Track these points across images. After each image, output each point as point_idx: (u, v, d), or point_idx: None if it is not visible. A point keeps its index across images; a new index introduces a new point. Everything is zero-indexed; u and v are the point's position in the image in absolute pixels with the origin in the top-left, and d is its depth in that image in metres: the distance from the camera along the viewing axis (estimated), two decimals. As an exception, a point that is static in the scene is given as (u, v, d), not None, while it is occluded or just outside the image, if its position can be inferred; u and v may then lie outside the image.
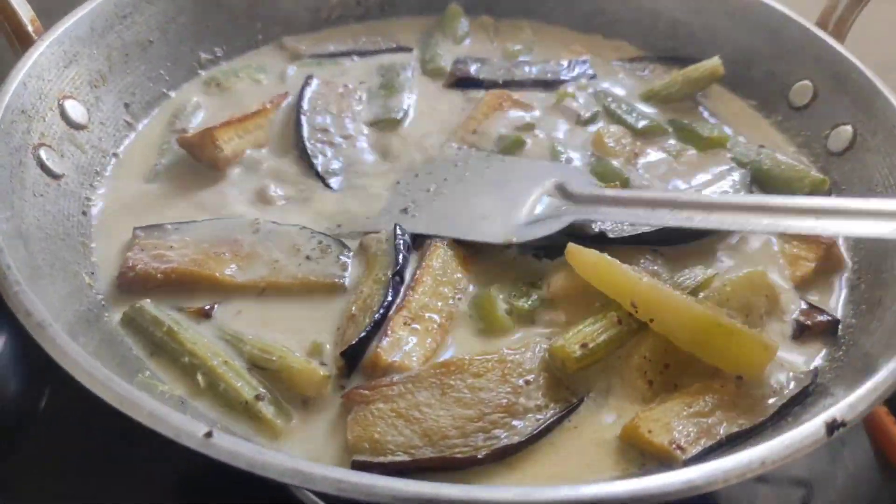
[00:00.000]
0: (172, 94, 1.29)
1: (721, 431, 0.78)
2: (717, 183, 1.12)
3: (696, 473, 0.61)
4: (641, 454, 0.79)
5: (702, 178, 1.16)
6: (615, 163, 1.18)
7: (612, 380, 0.86)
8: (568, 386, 0.85)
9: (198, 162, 1.14)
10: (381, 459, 0.75)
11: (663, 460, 0.77)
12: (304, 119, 1.22)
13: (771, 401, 0.82)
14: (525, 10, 1.53)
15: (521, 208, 1.04)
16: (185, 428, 0.62)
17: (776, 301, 0.95)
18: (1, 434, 1.10)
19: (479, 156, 1.19)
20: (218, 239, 1.00)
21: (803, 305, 0.97)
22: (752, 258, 1.03)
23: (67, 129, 1.07)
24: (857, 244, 1.05)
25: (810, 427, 0.65)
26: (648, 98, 1.32)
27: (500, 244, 0.99)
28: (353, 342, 0.86)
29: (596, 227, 1.01)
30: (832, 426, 0.65)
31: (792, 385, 0.84)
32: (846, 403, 0.67)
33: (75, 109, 1.09)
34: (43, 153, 1.00)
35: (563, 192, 1.05)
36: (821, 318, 0.95)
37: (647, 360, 0.85)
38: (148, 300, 0.91)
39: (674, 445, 0.76)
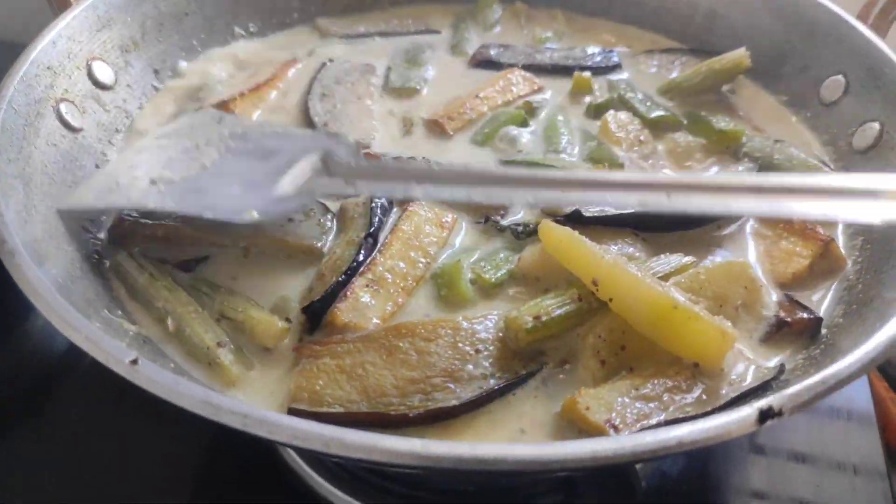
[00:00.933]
0: (201, 62, 1.34)
1: (662, 417, 0.74)
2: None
3: (605, 444, 0.59)
4: (578, 432, 0.77)
5: (707, 170, 1.12)
6: (616, 150, 1.15)
7: (567, 358, 0.84)
8: (521, 360, 0.83)
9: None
10: (316, 409, 0.76)
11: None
12: (314, 84, 1.27)
13: (724, 391, 0.78)
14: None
15: (280, 181, 0.90)
16: (114, 353, 0.65)
17: (756, 294, 0.89)
18: (48, 382, 1.19)
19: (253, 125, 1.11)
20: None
21: (785, 300, 0.91)
22: (745, 253, 0.99)
23: (92, 89, 1.13)
24: (865, 242, 0.98)
25: (741, 412, 0.62)
26: (668, 90, 1.28)
27: (240, 221, 0.87)
28: (316, 299, 0.87)
29: (570, 207, 0.99)
30: (765, 414, 0.61)
31: (750, 378, 0.79)
32: (786, 393, 0.63)
33: (103, 70, 1.16)
34: (63, 107, 1.06)
35: (326, 164, 0.91)
36: (802, 314, 0.88)
37: (602, 340, 0.82)
38: (136, 249, 0.96)
39: (608, 424, 0.73)
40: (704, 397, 0.78)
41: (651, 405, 0.76)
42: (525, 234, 1.00)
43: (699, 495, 1.10)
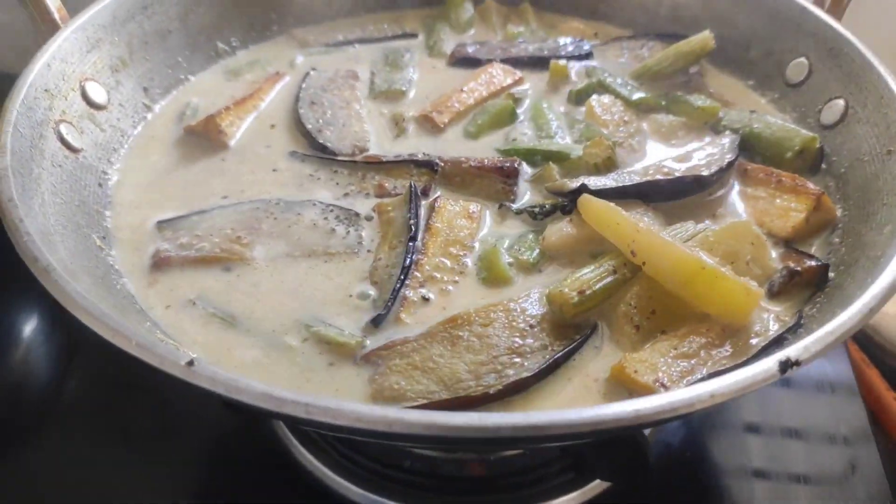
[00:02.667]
0: (191, 78, 1.36)
1: (703, 371, 0.81)
2: (707, 148, 1.14)
3: (644, 404, 0.64)
4: (629, 393, 0.83)
5: (692, 144, 1.19)
6: (604, 131, 1.22)
7: (604, 326, 0.91)
8: (573, 327, 0.90)
9: (203, 141, 1.22)
10: (406, 405, 0.80)
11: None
12: (301, 93, 1.31)
13: (754, 341, 0.85)
14: (530, -2, 1.58)
15: None
16: (169, 357, 0.67)
17: (762, 249, 0.96)
18: (28, 418, 1.19)
19: None
20: (238, 223, 1.07)
21: (790, 252, 0.99)
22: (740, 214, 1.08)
23: (88, 109, 1.14)
24: (847, 189, 1.07)
25: (763, 364, 0.67)
26: (640, 75, 1.35)
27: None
28: (383, 312, 0.93)
29: (576, 182, 1.05)
30: (785, 364, 0.67)
31: (776, 326, 0.87)
32: (802, 344, 0.69)
33: (96, 91, 1.17)
34: (63, 128, 1.07)
35: None
36: (811, 262, 0.96)
37: (633, 308, 0.89)
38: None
39: (658, 384, 0.79)
40: (736, 349, 0.85)
41: (691, 362, 0.82)
42: (542, 215, 1.07)
43: (701, 474, 1.17)
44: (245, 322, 0.93)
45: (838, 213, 1.05)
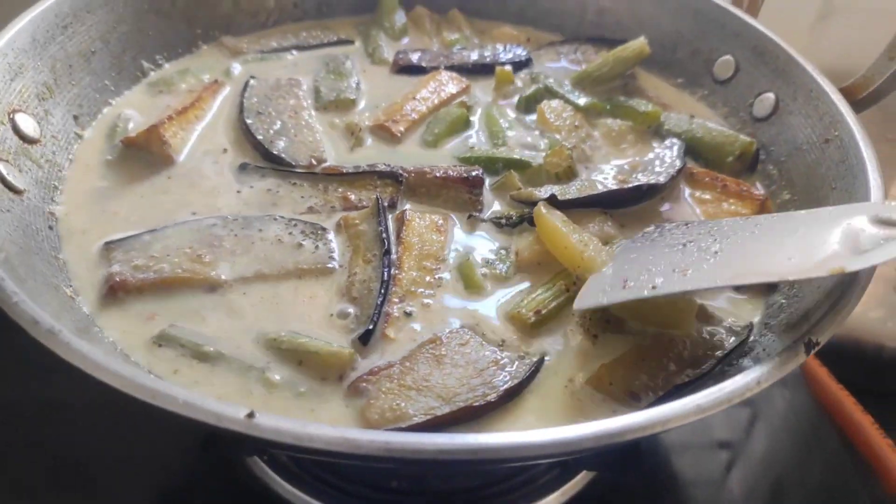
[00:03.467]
0: (119, 100, 1.26)
1: (669, 382, 0.87)
2: (657, 154, 1.22)
3: (703, 399, 0.68)
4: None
5: (641, 151, 1.26)
6: (558, 137, 1.26)
7: (566, 336, 0.96)
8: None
9: (145, 158, 1.15)
10: (407, 423, 0.80)
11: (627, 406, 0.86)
12: (245, 102, 1.26)
13: (716, 353, 0.91)
14: (458, 4, 1.59)
15: (831, 244, 0.78)
16: (225, 412, 0.63)
17: None
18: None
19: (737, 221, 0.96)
20: (197, 241, 1.00)
21: None
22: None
23: (21, 144, 1.04)
24: (791, 180, 1.17)
25: (792, 349, 0.73)
26: (581, 80, 1.40)
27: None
28: (370, 327, 0.91)
29: (544, 192, 1.09)
30: (809, 345, 0.73)
31: (732, 339, 0.93)
32: (820, 326, 0.76)
33: (26, 123, 1.06)
34: (2, 168, 0.96)
35: (881, 221, 0.79)
36: None
37: (588, 319, 0.96)
38: (169, 325, 0.91)
39: (629, 395, 0.86)
40: (698, 361, 0.90)
41: (660, 375, 0.88)
42: (509, 225, 1.10)
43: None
44: (222, 352, 0.88)
45: (786, 197, 1.15)
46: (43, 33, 1.13)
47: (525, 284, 1.01)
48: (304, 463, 1.16)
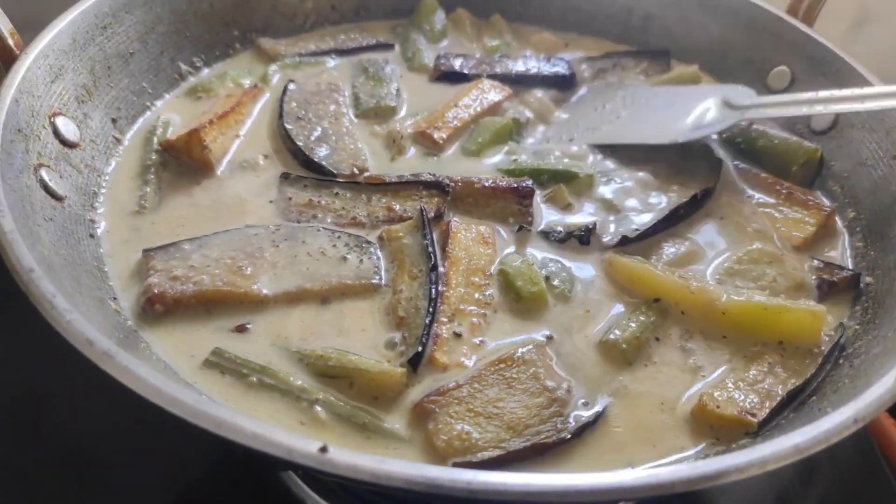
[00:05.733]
0: (158, 103, 1.23)
1: (779, 391, 0.84)
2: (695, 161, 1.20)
3: (801, 438, 0.64)
4: (710, 427, 0.83)
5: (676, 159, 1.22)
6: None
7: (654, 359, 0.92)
8: None
9: (185, 164, 1.12)
10: (479, 457, 0.75)
11: (735, 428, 0.81)
12: (284, 107, 1.22)
13: (807, 360, 0.89)
14: (500, 7, 1.55)
15: (686, 119, 1.20)
16: (296, 446, 0.59)
17: (780, 262, 1.02)
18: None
19: (641, 87, 1.36)
20: (238, 252, 0.97)
21: (816, 264, 1.03)
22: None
23: (62, 149, 1.00)
24: (856, 197, 1.13)
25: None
26: None
27: (668, 144, 1.18)
28: (419, 350, 0.86)
29: (612, 236, 1.06)
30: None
31: (825, 340, 0.91)
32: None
33: (67, 127, 1.02)
34: (44, 174, 0.93)
35: (727, 104, 1.19)
36: (844, 273, 1.01)
37: (687, 342, 0.93)
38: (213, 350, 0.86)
39: (745, 413, 0.81)
40: (797, 368, 0.88)
41: (763, 387, 0.85)
42: (558, 240, 1.06)
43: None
44: (268, 379, 0.84)
45: (850, 215, 1.11)
46: (83, 34, 1.10)
47: (582, 302, 0.98)
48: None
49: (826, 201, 1.15)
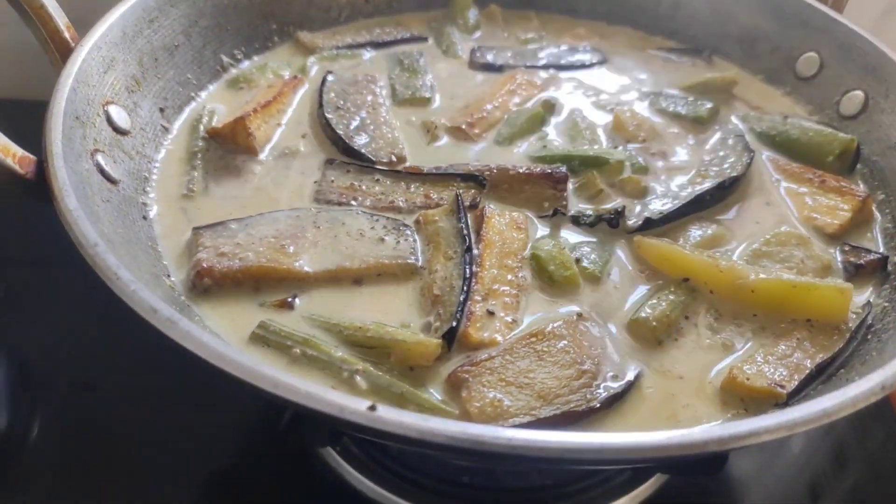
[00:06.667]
0: (203, 94, 1.28)
1: (808, 364, 0.87)
2: (721, 152, 1.22)
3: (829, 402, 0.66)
4: (740, 399, 0.85)
5: (707, 150, 1.24)
6: (631, 146, 1.24)
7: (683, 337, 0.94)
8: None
9: (230, 150, 1.17)
10: (511, 422, 0.78)
11: (765, 400, 0.84)
12: (324, 97, 1.26)
13: (835, 336, 0.91)
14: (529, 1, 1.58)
15: None
16: (347, 404, 0.63)
17: (808, 245, 1.03)
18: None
19: None
20: (281, 232, 1.01)
21: (844, 247, 1.05)
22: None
23: (115, 136, 1.05)
24: (885, 179, 1.14)
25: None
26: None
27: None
28: (453, 325, 0.89)
29: (636, 219, 1.08)
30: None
31: (852, 317, 0.93)
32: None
33: (119, 115, 1.07)
34: (100, 158, 0.98)
35: None
36: (871, 256, 1.02)
37: (716, 321, 0.95)
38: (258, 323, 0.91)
39: (774, 385, 0.83)
40: (825, 344, 0.90)
41: (792, 360, 0.87)
42: (588, 224, 1.08)
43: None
44: (311, 351, 0.88)
45: (880, 198, 1.13)
46: (132, 27, 1.15)
47: (612, 283, 1.00)
48: (376, 454, 1.16)
49: (861, 187, 1.16)
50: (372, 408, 0.63)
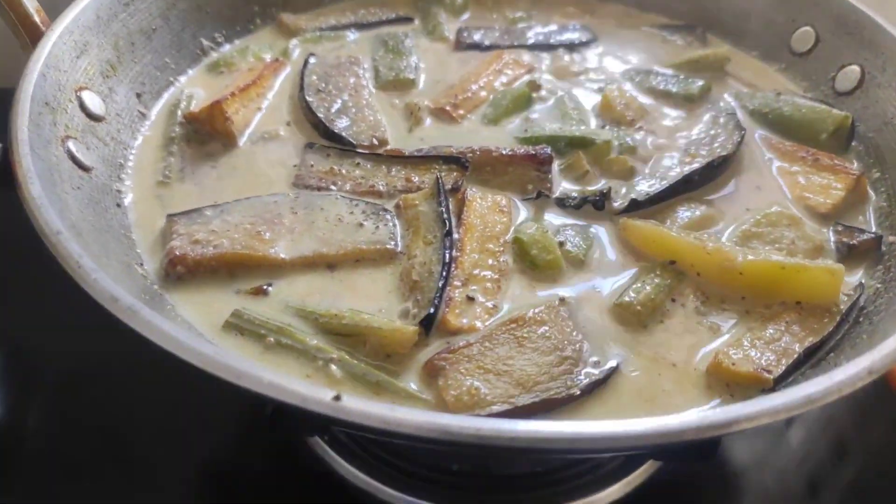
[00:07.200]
0: (182, 79, 1.25)
1: (796, 349, 0.84)
2: (716, 129, 1.18)
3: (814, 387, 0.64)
4: (725, 385, 0.83)
5: (698, 129, 1.21)
6: (622, 126, 1.21)
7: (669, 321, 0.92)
8: None
9: (208, 136, 1.14)
10: (488, 411, 0.76)
11: (751, 385, 0.81)
12: (305, 80, 1.23)
13: (826, 319, 0.89)
14: (518, -22, 1.54)
15: None
16: (311, 395, 0.61)
17: (801, 225, 1.01)
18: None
19: None
20: (258, 218, 0.99)
21: (837, 227, 1.02)
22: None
23: (88, 122, 1.03)
24: (881, 157, 1.11)
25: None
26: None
27: None
28: (431, 311, 0.87)
29: (622, 200, 1.05)
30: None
31: (844, 300, 0.91)
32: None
33: (93, 101, 1.05)
34: (72, 145, 0.96)
35: None
36: (864, 236, 0.99)
37: (702, 303, 0.93)
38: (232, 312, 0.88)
39: (760, 370, 0.81)
40: (814, 327, 0.87)
41: (779, 345, 0.84)
42: (573, 207, 1.06)
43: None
44: (285, 340, 0.86)
45: (875, 176, 1.09)
46: (106, 10, 1.12)
47: (596, 266, 0.98)
48: (365, 443, 1.14)
49: (855, 165, 1.13)
50: (337, 398, 0.61)
